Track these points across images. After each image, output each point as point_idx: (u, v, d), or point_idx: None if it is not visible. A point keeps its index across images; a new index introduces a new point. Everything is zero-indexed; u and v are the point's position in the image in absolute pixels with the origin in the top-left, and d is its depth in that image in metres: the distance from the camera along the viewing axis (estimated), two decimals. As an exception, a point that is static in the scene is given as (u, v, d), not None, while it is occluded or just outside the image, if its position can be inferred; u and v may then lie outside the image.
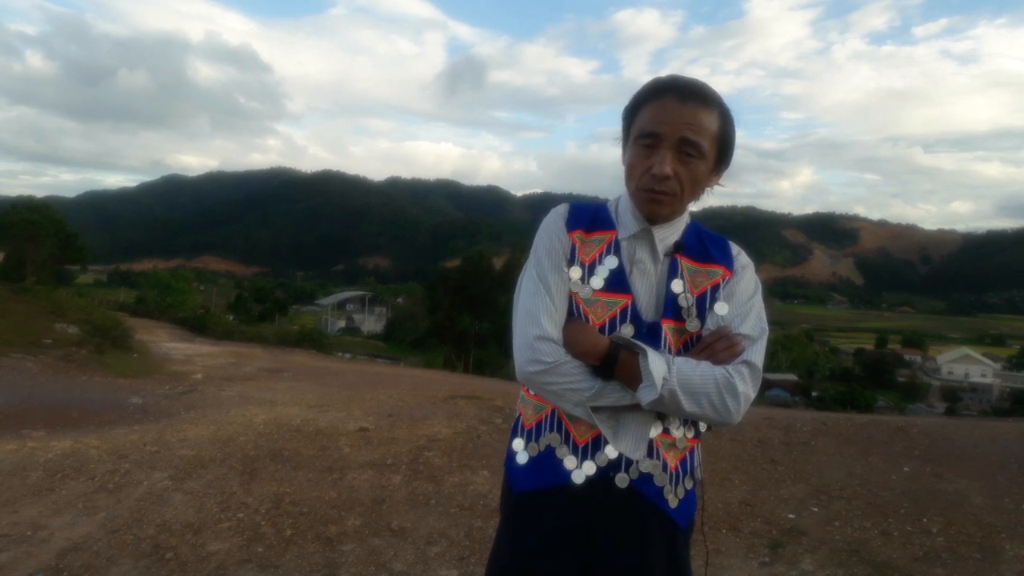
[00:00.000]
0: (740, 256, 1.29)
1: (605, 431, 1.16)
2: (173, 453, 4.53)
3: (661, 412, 1.18)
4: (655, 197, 1.17)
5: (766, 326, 1.23)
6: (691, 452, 1.26)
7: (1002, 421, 8.56)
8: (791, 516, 3.72)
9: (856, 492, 4.13)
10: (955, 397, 50.69)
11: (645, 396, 1.11)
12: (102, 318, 13.39)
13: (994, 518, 3.70)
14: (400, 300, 73.59)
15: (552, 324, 1.17)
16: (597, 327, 1.19)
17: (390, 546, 3.14)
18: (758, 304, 1.25)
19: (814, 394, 39.01)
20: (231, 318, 32.87)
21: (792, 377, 46.15)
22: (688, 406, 1.11)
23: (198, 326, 21.63)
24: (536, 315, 1.18)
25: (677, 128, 1.13)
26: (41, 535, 3.07)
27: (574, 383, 1.15)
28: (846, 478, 4.42)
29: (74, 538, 3.05)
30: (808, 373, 51.52)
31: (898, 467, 4.69)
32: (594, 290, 1.20)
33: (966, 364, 69.36)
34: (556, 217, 1.27)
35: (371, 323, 69.46)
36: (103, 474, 4.00)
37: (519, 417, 1.31)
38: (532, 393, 1.27)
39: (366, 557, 3.01)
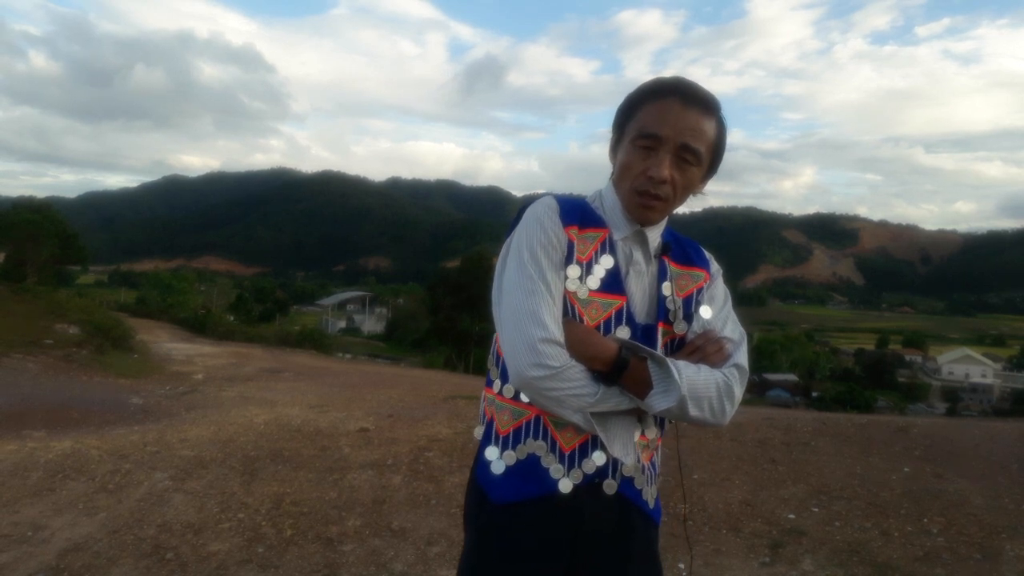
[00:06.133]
0: (713, 261, 1.30)
1: (602, 436, 1.13)
2: (174, 453, 4.54)
3: (640, 415, 1.17)
4: (648, 202, 1.15)
5: (743, 330, 1.24)
6: (658, 450, 1.27)
7: (1002, 421, 8.56)
8: (791, 516, 3.72)
9: (856, 492, 4.13)
10: (955, 397, 50.61)
11: (659, 403, 1.08)
12: (103, 318, 13.42)
13: (994, 518, 3.70)
14: (400, 300, 73.50)
15: (556, 326, 1.10)
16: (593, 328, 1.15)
17: (390, 546, 3.14)
18: (731, 309, 1.27)
19: (814, 394, 39.00)
20: (231, 318, 32.83)
21: (792, 377, 46.15)
22: (693, 411, 1.08)
23: (199, 326, 21.65)
24: (539, 315, 1.09)
25: (679, 133, 1.11)
26: (42, 535, 3.08)
27: (577, 389, 1.09)
28: (846, 478, 4.41)
29: (75, 538, 3.06)
30: (808, 373, 51.51)
31: (898, 467, 4.69)
32: (590, 290, 1.16)
33: (966, 364, 69.34)
34: (548, 211, 1.17)
35: (371, 323, 69.44)
36: (104, 474, 4.00)
37: (491, 423, 1.22)
38: (506, 397, 1.20)
39: (366, 557, 3.01)
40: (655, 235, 1.22)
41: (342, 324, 67.29)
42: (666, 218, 1.24)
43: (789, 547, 3.30)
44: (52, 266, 25.45)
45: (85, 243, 30.10)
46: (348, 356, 21.38)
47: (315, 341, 20.53)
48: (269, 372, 10.77)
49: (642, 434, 1.20)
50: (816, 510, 3.83)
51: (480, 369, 24.22)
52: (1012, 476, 4.50)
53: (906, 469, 4.65)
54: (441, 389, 8.75)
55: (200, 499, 3.64)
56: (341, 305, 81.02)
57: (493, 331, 1.24)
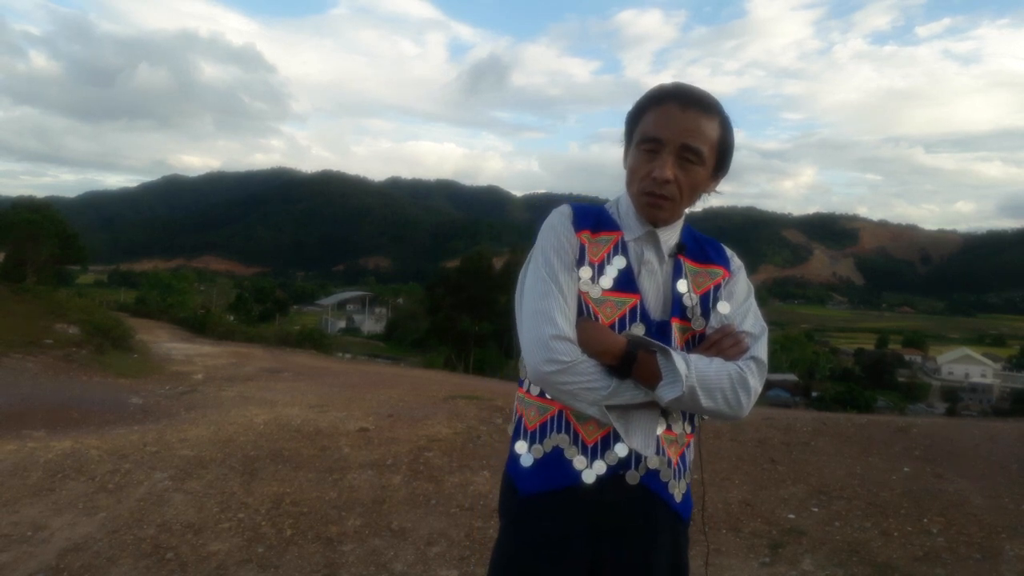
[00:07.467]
0: (734, 258, 1.35)
1: (619, 429, 1.18)
2: (173, 453, 4.53)
3: (665, 409, 1.20)
4: (655, 201, 1.21)
5: (765, 324, 1.28)
6: (688, 446, 1.31)
7: (1002, 421, 8.55)
8: (791, 516, 3.72)
9: (856, 492, 4.13)
10: (955, 397, 50.63)
11: (667, 394, 1.13)
12: (102, 318, 13.40)
13: (994, 518, 3.70)
14: (400, 300, 73.52)
15: (567, 323, 1.18)
16: (607, 326, 1.21)
17: (390, 546, 3.14)
18: (754, 303, 1.31)
19: (814, 394, 39.04)
20: (231, 318, 32.81)
21: (792, 377, 46.11)
22: (705, 402, 1.13)
23: (198, 326, 21.60)
24: (550, 314, 1.17)
25: (678, 134, 1.17)
26: (41, 535, 3.08)
27: (590, 382, 1.15)
28: (846, 478, 4.42)
29: (74, 538, 3.06)
30: (808, 373, 51.49)
31: (898, 467, 4.69)
32: (603, 290, 1.22)
33: (966, 364, 69.36)
34: (562, 217, 1.27)
35: (371, 323, 69.43)
36: (103, 474, 4.00)
37: (520, 419, 1.30)
38: (533, 394, 1.27)
39: (366, 557, 3.01)
40: (668, 235, 1.27)
41: (342, 324, 67.26)
42: (682, 219, 1.29)
43: (789, 547, 3.30)
44: (52, 266, 25.41)
45: (85, 243, 30.04)
46: (348, 356, 21.37)
47: (315, 341, 20.50)
48: (269, 372, 10.77)
49: (668, 428, 1.24)
50: (816, 510, 3.83)
51: (480, 369, 24.26)
52: (1012, 476, 4.50)
53: (906, 469, 4.65)
54: (441, 389, 8.75)
55: (200, 499, 3.64)
56: (341, 305, 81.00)
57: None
